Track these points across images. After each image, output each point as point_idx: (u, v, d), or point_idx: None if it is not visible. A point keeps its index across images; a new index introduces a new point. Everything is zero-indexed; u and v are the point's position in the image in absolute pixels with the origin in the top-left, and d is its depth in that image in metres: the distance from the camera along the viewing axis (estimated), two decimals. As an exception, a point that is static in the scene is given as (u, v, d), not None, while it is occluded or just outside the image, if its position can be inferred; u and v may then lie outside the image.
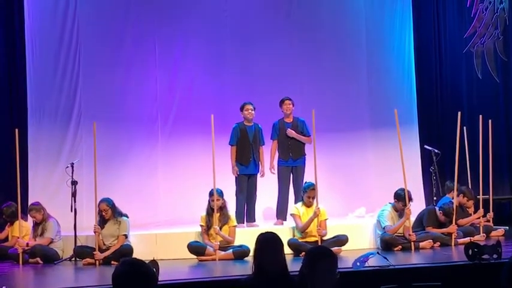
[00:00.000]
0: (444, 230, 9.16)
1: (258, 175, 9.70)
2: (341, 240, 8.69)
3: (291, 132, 9.71)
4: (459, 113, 9.31)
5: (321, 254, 3.96)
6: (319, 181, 8.81)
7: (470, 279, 6.71)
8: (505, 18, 12.06)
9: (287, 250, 7.90)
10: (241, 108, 9.66)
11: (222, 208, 8.75)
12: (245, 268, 7.30)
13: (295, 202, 9.39)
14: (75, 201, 8.96)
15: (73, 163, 9.22)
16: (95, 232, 8.53)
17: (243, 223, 9.43)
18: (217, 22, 11.05)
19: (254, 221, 9.61)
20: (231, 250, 8.50)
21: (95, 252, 8.41)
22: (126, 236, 8.67)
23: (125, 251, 8.34)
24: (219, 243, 8.50)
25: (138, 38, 10.83)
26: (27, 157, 10.22)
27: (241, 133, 9.62)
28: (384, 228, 8.93)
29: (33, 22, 10.56)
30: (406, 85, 11.70)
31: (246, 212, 9.58)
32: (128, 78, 10.78)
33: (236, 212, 9.26)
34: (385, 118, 10.58)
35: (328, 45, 11.31)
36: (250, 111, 9.61)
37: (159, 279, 6.39)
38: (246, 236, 8.57)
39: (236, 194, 9.53)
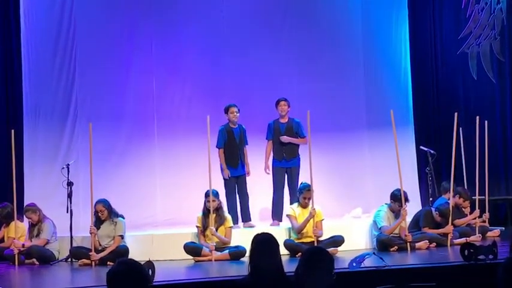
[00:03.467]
0: (440, 230, 9.17)
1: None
2: (337, 240, 8.69)
3: (285, 139, 9.72)
4: (456, 114, 9.32)
5: (317, 255, 3.97)
6: (315, 182, 8.82)
7: (466, 279, 6.71)
8: (502, 18, 12.07)
9: (283, 251, 7.91)
10: (226, 111, 9.67)
11: (218, 209, 8.76)
12: (241, 269, 7.29)
13: (291, 203, 9.39)
14: (71, 202, 8.96)
15: (68, 164, 9.23)
16: (91, 233, 8.53)
17: (237, 224, 9.42)
18: (213, 22, 11.04)
19: (250, 220, 9.62)
20: (227, 251, 8.51)
21: (91, 253, 8.41)
22: (122, 237, 8.67)
23: (121, 252, 8.34)
24: (215, 244, 8.50)
25: (134, 37, 10.82)
26: (23, 158, 10.19)
27: (228, 135, 9.63)
28: (380, 228, 8.94)
29: (30, 21, 10.54)
30: (402, 86, 11.72)
31: (241, 213, 9.59)
32: (124, 78, 10.77)
33: (228, 213, 9.23)
34: (381, 119, 10.58)
35: (324, 45, 11.30)
36: (235, 113, 9.63)
37: (155, 280, 6.39)
38: (242, 237, 8.58)
39: (226, 196, 9.51)
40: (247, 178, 9.77)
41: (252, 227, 9.47)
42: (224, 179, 9.58)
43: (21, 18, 10.56)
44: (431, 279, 6.43)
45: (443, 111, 11.90)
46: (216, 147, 9.62)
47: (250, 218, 9.65)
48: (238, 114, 9.65)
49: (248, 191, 9.72)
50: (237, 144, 9.66)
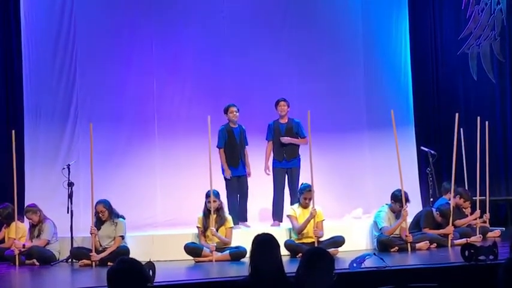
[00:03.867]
0: (441, 231, 9.17)
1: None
2: (338, 241, 8.69)
3: (286, 140, 9.72)
4: (457, 114, 9.32)
5: (318, 256, 3.97)
6: (315, 182, 8.81)
7: (466, 280, 6.71)
8: (502, 19, 12.07)
9: (283, 251, 7.90)
10: (226, 111, 9.67)
11: (219, 209, 8.75)
12: (242, 269, 7.30)
13: (291, 203, 9.39)
14: (71, 203, 8.96)
15: (69, 164, 9.23)
16: (91, 233, 8.53)
17: (238, 225, 9.42)
18: (214, 22, 11.05)
19: (246, 220, 9.63)
20: (227, 251, 8.50)
21: (91, 254, 8.41)
22: (122, 237, 8.67)
23: (122, 253, 8.31)
24: (215, 244, 8.50)
25: (135, 38, 10.83)
26: (23, 158, 10.20)
27: (228, 135, 9.63)
28: (380, 229, 8.94)
29: (30, 22, 10.55)
30: (402, 86, 11.72)
31: (239, 212, 9.58)
32: (124, 79, 10.79)
33: (229, 214, 9.23)
34: (382, 119, 10.58)
35: (324, 45, 11.31)
36: (234, 113, 9.63)
37: (155, 281, 6.39)
38: (243, 237, 8.57)
39: (227, 197, 9.51)
40: (248, 179, 9.77)
41: (247, 227, 9.47)
42: (226, 179, 9.58)
43: (21, 18, 10.57)
44: (431, 279, 6.42)
45: (443, 111, 11.90)
46: (217, 147, 9.62)
47: (246, 219, 9.65)
48: (237, 114, 9.66)
49: (249, 192, 9.73)
50: (238, 144, 9.66)
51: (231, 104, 9.68)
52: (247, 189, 9.70)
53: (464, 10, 12.13)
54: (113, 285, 3.45)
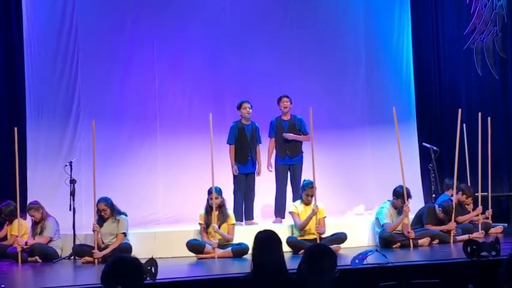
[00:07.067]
0: (443, 227, 9.17)
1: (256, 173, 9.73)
2: (340, 237, 8.69)
3: (288, 136, 9.70)
4: (459, 110, 9.31)
5: (320, 252, 3.97)
6: (317, 179, 8.81)
7: (468, 276, 6.70)
8: (503, 15, 12.05)
9: (286, 248, 7.90)
10: (239, 107, 9.65)
11: (221, 206, 8.75)
12: (244, 266, 7.30)
13: (293, 200, 9.39)
14: (73, 200, 8.97)
15: (71, 162, 9.23)
16: (93, 231, 8.53)
17: (242, 221, 9.44)
18: (215, 20, 11.05)
19: (253, 218, 9.62)
20: (229, 248, 8.50)
21: (93, 251, 8.41)
22: (125, 234, 8.66)
23: (124, 250, 8.33)
24: (217, 241, 8.50)
25: (136, 36, 10.83)
26: (25, 156, 10.21)
27: (239, 132, 9.62)
28: (382, 225, 8.94)
29: (32, 20, 10.55)
30: (404, 82, 11.71)
31: (245, 211, 9.58)
32: (126, 76, 10.79)
33: (234, 210, 9.24)
34: (384, 115, 10.58)
35: (326, 42, 11.30)
36: (247, 109, 9.61)
37: (157, 278, 6.40)
38: (245, 234, 8.57)
39: (234, 193, 9.53)
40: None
41: (253, 224, 9.46)
42: (234, 175, 9.58)
43: (23, 16, 10.57)
44: (434, 275, 6.41)
45: (445, 107, 11.89)
46: (227, 143, 9.62)
47: (253, 217, 9.64)
48: (251, 111, 9.62)
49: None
50: (248, 141, 9.62)
51: (245, 101, 9.65)
52: (254, 187, 9.67)
53: (468, 5, 12.10)
54: (106, 285, 3.45)
